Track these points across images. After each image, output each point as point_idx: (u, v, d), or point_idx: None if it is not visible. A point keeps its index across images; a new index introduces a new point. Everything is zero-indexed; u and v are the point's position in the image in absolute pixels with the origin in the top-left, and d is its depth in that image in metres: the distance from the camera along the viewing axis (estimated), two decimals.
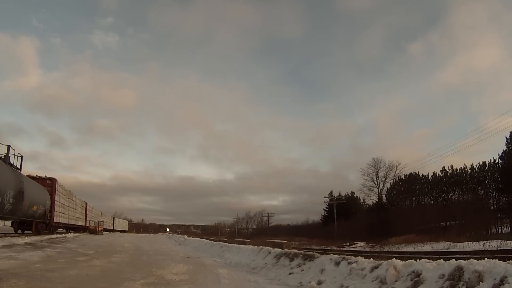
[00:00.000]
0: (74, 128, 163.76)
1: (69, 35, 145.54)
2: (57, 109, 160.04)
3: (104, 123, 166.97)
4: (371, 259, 6.63)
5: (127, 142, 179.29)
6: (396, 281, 5.18)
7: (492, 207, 38.47)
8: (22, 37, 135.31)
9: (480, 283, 4.05)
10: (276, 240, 23.24)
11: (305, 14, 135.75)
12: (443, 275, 4.55)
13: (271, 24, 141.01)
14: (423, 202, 46.60)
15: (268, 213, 76.30)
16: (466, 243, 22.46)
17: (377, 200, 52.69)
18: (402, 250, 21.88)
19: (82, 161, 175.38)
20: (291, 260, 8.83)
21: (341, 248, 28.52)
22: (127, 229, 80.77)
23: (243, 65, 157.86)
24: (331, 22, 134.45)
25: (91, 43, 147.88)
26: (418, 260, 5.49)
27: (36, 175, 22.06)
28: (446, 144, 60.90)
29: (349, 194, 57.99)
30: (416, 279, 4.88)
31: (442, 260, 5.15)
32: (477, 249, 17.42)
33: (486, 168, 41.25)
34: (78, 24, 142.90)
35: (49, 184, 22.77)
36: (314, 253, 9.16)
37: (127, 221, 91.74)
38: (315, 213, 74.01)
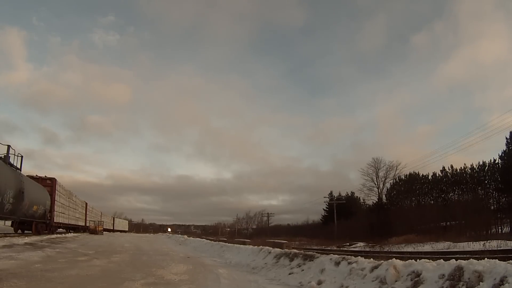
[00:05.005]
0: (67, 124, 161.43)
1: (58, 28, 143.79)
2: (49, 105, 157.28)
3: (98, 119, 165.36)
4: (371, 259, 6.64)
5: (122, 139, 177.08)
6: (396, 281, 5.18)
7: (492, 207, 38.47)
8: (7, 29, 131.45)
9: (480, 283, 4.06)
10: (276, 240, 23.24)
11: (305, 5, 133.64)
12: (443, 275, 4.55)
13: (270, 15, 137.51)
14: (423, 202, 46.61)
15: (268, 213, 76.34)
16: (466, 243, 22.46)
17: (377, 200, 52.80)
18: (402, 250, 21.87)
19: (77, 159, 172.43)
20: (291, 260, 8.83)
21: (341, 248, 28.52)
22: (127, 229, 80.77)
23: (240, 59, 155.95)
24: (332, 12, 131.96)
25: (82, 37, 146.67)
26: (418, 260, 5.49)
27: (36, 175, 22.09)
28: (449, 142, 60.97)
29: (349, 194, 58.07)
30: (416, 279, 4.88)
31: (442, 260, 5.15)
32: (477, 249, 17.42)
33: (486, 168, 41.26)
34: (69, 17, 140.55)
35: (49, 184, 22.81)
36: (314, 253, 9.16)
37: (127, 221, 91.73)
38: (315, 213, 74.23)
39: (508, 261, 4.39)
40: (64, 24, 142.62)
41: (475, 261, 4.57)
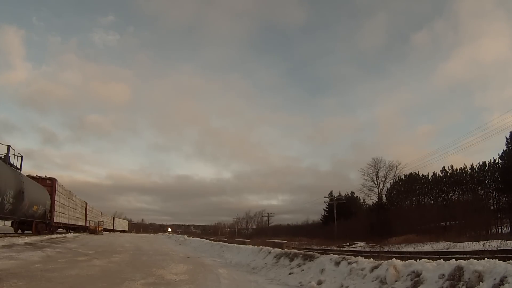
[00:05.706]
0: (67, 124, 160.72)
1: (58, 27, 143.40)
2: (48, 104, 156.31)
3: (97, 119, 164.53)
4: (371, 259, 6.64)
5: (121, 139, 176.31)
6: (396, 281, 5.18)
7: (492, 207, 38.46)
8: (6, 28, 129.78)
9: (480, 283, 4.06)
10: (276, 240, 23.27)
11: (305, 4, 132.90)
12: (443, 275, 4.55)
13: (270, 14, 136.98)
14: (423, 202, 46.57)
15: (268, 213, 76.45)
16: (466, 243, 22.44)
17: (377, 200, 52.75)
18: (402, 250, 21.87)
19: (77, 159, 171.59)
20: (291, 260, 8.83)
21: (341, 248, 28.54)
22: (127, 229, 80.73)
23: (240, 58, 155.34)
24: (332, 12, 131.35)
25: (81, 36, 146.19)
26: (418, 260, 5.49)
27: (36, 175, 22.09)
28: (449, 142, 60.93)
29: (349, 194, 58.04)
30: (416, 279, 4.88)
31: (442, 260, 5.15)
32: (477, 249, 17.41)
33: (486, 168, 41.23)
34: (69, 17, 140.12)
35: (49, 184, 22.81)
36: (314, 253, 9.16)
37: (127, 221, 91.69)
38: (315, 213, 74.19)
39: (508, 261, 4.39)
40: (64, 23, 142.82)
41: (475, 261, 4.57)
